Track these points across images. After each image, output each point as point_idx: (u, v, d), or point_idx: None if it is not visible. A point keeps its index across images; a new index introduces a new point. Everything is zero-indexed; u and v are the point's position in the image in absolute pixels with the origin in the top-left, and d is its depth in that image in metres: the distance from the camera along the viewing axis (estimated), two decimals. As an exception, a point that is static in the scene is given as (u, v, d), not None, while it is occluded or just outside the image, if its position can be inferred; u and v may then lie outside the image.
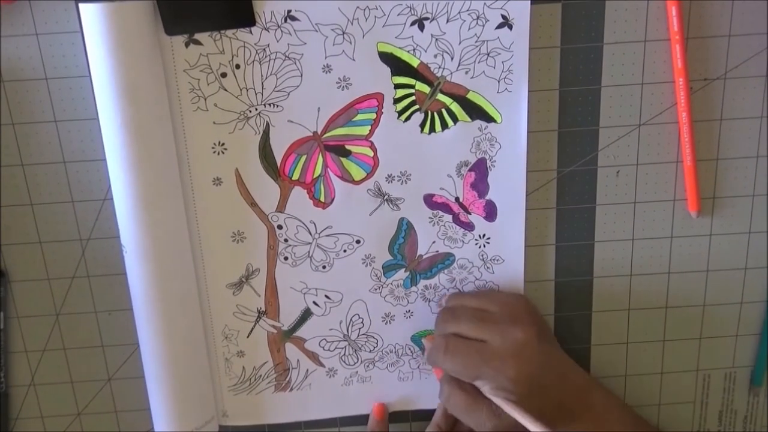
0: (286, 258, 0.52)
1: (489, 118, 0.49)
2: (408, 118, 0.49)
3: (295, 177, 0.50)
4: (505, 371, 0.47)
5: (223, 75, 0.47)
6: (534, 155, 0.50)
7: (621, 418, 0.52)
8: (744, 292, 0.55)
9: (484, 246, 0.52)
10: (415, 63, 0.48)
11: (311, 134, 0.49)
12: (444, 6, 0.46)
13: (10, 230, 0.51)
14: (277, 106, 0.48)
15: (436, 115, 0.49)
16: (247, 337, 0.54)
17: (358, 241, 0.52)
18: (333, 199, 0.51)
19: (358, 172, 0.50)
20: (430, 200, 0.51)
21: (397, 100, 0.49)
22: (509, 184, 0.51)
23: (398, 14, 0.47)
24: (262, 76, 0.47)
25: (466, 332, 0.49)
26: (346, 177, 0.50)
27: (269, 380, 0.55)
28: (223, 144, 0.49)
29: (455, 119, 0.49)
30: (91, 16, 0.44)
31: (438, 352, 0.50)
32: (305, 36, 0.47)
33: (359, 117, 0.49)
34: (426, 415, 0.56)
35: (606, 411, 0.52)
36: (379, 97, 0.48)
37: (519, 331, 0.48)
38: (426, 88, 0.48)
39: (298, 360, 0.55)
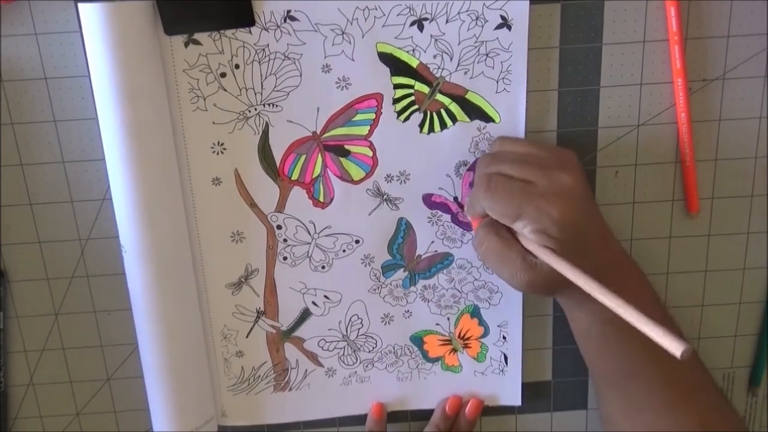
0: (285, 258, 0.52)
1: (488, 119, 0.49)
2: (407, 118, 0.49)
3: (295, 177, 0.50)
4: (549, 211, 0.44)
5: (223, 75, 0.47)
6: (533, 155, 0.50)
7: (652, 301, 0.49)
8: (743, 292, 0.55)
9: (483, 246, 0.52)
10: (414, 63, 0.48)
11: (310, 134, 0.49)
12: (443, 6, 0.46)
13: (10, 230, 0.51)
14: (277, 106, 0.48)
15: (435, 115, 0.49)
16: (246, 337, 0.54)
17: (357, 241, 0.52)
18: (332, 199, 0.51)
19: (357, 172, 0.50)
20: (429, 200, 0.51)
21: (396, 100, 0.49)
22: (508, 184, 0.51)
23: (398, 14, 0.47)
24: (261, 76, 0.47)
25: (511, 171, 0.46)
26: (345, 177, 0.50)
27: (268, 380, 0.55)
28: (222, 144, 0.49)
29: (454, 119, 0.49)
30: (90, 16, 0.44)
31: (479, 189, 0.46)
32: (305, 36, 0.47)
33: (358, 117, 0.49)
34: (424, 415, 0.57)
35: (640, 288, 0.49)
36: (378, 97, 0.49)
37: (567, 176, 0.45)
38: (425, 89, 0.49)
39: (297, 360, 0.55)
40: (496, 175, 0.46)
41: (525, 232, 0.45)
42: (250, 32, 0.46)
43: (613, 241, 0.48)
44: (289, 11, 0.46)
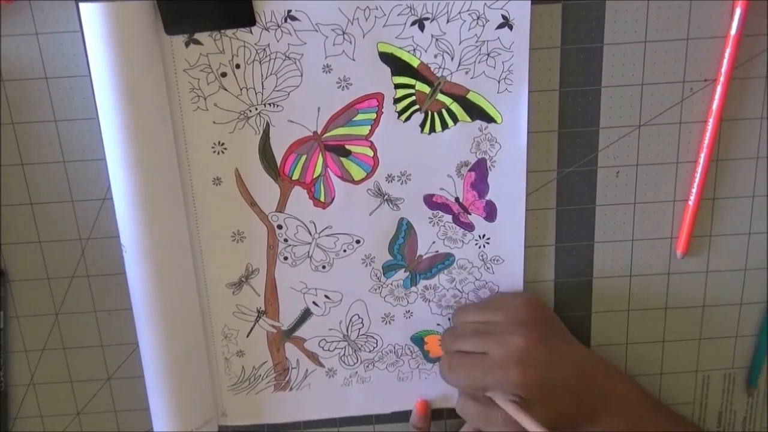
0: (285, 258, 0.52)
1: (489, 119, 0.49)
2: (408, 118, 0.49)
3: (295, 177, 0.50)
4: (509, 379, 0.47)
5: (223, 75, 0.47)
6: (534, 156, 0.50)
7: (646, 408, 0.53)
8: (744, 293, 0.55)
9: (484, 246, 0.52)
10: (415, 63, 0.48)
11: (311, 134, 0.49)
12: (444, 6, 0.46)
13: (10, 229, 0.51)
14: (277, 105, 0.48)
15: (436, 115, 0.49)
16: (247, 336, 0.54)
17: (357, 241, 0.52)
18: (333, 199, 0.51)
19: (358, 172, 0.50)
20: (430, 200, 0.51)
21: (397, 100, 0.49)
22: (509, 184, 0.51)
23: (398, 14, 0.47)
24: (262, 75, 0.47)
25: (467, 347, 0.50)
26: (346, 177, 0.50)
27: (269, 380, 0.55)
28: (223, 144, 0.49)
29: (455, 119, 0.49)
30: (91, 16, 0.44)
31: (443, 371, 0.51)
32: (305, 36, 0.47)
33: (359, 117, 0.49)
34: (431, 414, 0.56)
35: (629, 402, 0.52)
36: (379, 97, 0.48)
37: (519, 338, 0.48)
38: (426, 88, 0.48)
39: (297, 360, 0.55)
40: (455, 355, 0.50)
41: (497, 399, 0.48)
42: (251, 32, 0.46)
43: (591, 370, 0.51)
44: (289, 11, 0.46)
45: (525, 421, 0.46)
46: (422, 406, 0.56)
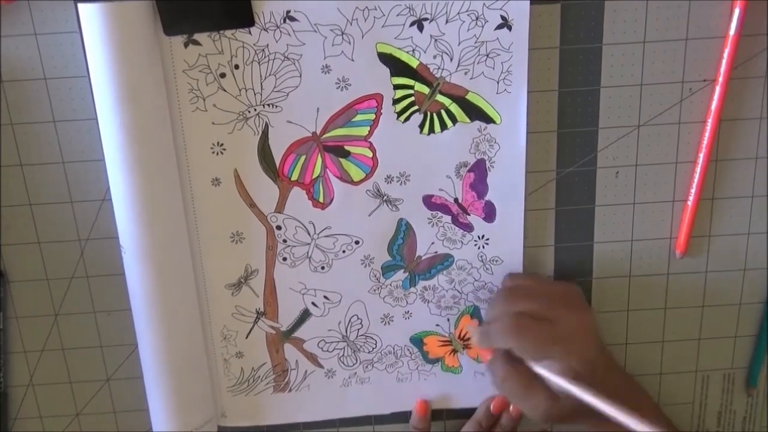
0: (284, 258, 0.52)
1: (488, 119, 0.49)
2: (407, 119, 0.49)
3: (294, 177, 0.50)
4: (573, 351, 0.47)
5: (222, 75, 0.47)
6: (533, 156, 0.50)
7: (658, 417, 0.53)
8: (743, 293, 0.55)
9: (483, 247, 0.52)
10: (414, 64, 0.48)
11: (310, 135, 0.49)
12: (443, 7, 0.46)
13: (9, 230, 0.51)
14: (276, 106, 0.48)
15: (435, 115, 0.49)
16: (246, 337, 0.54)
17: (357, 242, 0.52)
18: (332, 200, 0.51)
19: (357, 173, 0.50)
20: (429, 201, 0.51)
21: (396, 101, 0.49)
22: (508, 185, 0.51)
23: (397, 15, 0.46)
24: (261, 76, 0.47)
25: (536, 311, 0.48)
26: (345, 178, 0.50)
27: (268, 381, 0.55)
28: (222, 144, 0.49)
29: (454, 120, 0.49)
30: (90, 16, 0.44)
31: (504, 330, 0.48)
32: (304, 36, 0.47)
33: (358, 117, 0.49)
34: (431, 415, 0.56)
35: (646, 406, 0.53)
36: (378, 98, 0.48)
37: (585, 315, 0.49)
38: (425, 89, 0.48)
39: (296, 361, 0.55)
40: (522, 316, 0.48)
41: (553, 369, 0.47)
42: (250, 33, 0.46)
43: (617, 368, 0.53)
44: (288, 11, 0.46)
45: (583, 393, 0.45)
46: (422, 407, 0.56)
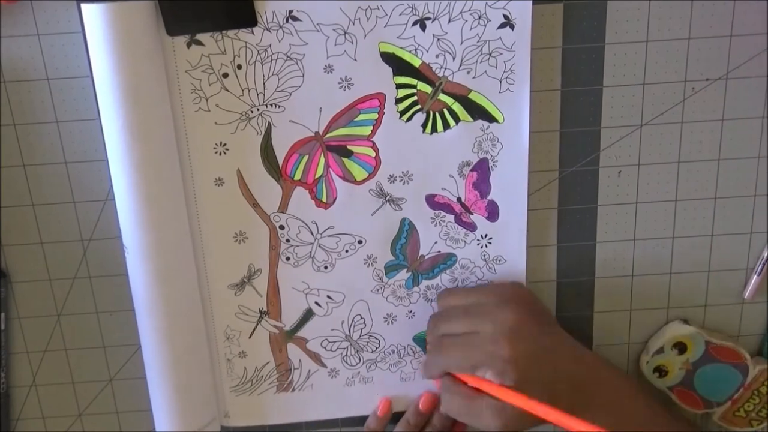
0: (287, 258, 0.52)
1: (491, 118, 0.49)
2: (410, 118, 0.49)
3: (297, 177, 0.50)
4: (500, 354, 0.46)
5: (225, 75, 0.47)
6: (536, 155, 0.50)
7: (643, 406, 0.52)
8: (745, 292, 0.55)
9: (486, 246, 0.52)
10: (416, 63, 0.48)
11: (313, 134, 0.49)
12: (446, 6, 0.46)
13: (12, 231, 0.51)
14: (279, 106, 0.48)
15: (438, 115, 0.49)
16: (249, 337, 0.54)
17: (360, 242, 0.52)
18: (335, 200, 0.51)
19: (359, 173, 0.50)
20: (431, 200, 0.51)
21: (398, 100, 0.49)
22: (511, 184, 0.51)
23: (400, 14, 0.47)
24: (263, 76, 0.47)
25: (456, 329, 0.49)
26: (347, 177, 0.50)
27: (271, 381, 0.55)
28: (224, 144, 0.49)
29: (457, 119, 0.49)
30: (92, 17, 0.44)
31: (433, 354, 0.50)
32: (307, 36, 0.47)
33: (361, 117, 0.49)
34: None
35: (624, 398, 0.51)
36: (380, 97, 0.48)
37: (509, 312, 0.47)
38: (428, 88, 0.48)
39: (300, 360, 0.55)
40: (445, 337, 0.49)
41: (488, 376, 0.46)
42: (253, 32, 0.46)
43: (585, 356, 0.51)
44: (291, 11, 0.46)
45: (515, 398, 0.45)
46: (384, 407, 0.55)
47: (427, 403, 0.55)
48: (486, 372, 0.46)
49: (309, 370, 0.55)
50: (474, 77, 0.48)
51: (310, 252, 0.52)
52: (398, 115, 0.49)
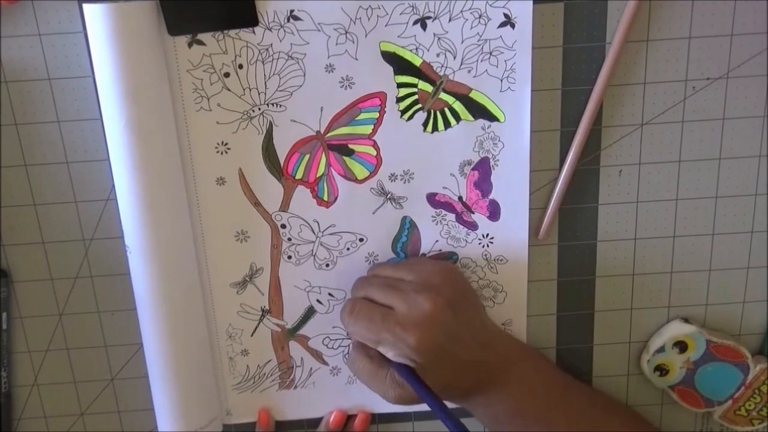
0: (289, 257, 0.52)
1: (492, 117, 0.49)
2: (411, 117, 0.49)
3: (299, 176, 0.50)
4: (405, 339, 0.46)
5: (226, 75, 0.47)
6: (536, 155, 0.50)
7: (560, 387, 0.52)
8: (746, 291, 0.55)
9: (488, 245, 0.52)
10: (417, 62, 0.48)
11: (314, 133, 0.49)
12: (446, 5, 0.46)
13: (13, 230, 0.51)
14: (280, 105, 0.48)
15: (438, 114, 0.49)
16: (251, 335, 0.54)
17: (361, 240, 0.52)
18: (336, 198, 0.51)
19: (361, 171, 0.50)
20: (433, 199, 0.51)
21: (399, 99, 0.49)
22: (512, 183, 0.51)
23: (401, 13, 0.47)
24: (265, 75, 0.48)
25: (375, 297, 0.49)
26: (349, 176, 0.50)
27: (273, 378, 0.55)
28: (226, 144, 0.49)
29: (458, 118, 0.49)
30: (94, 17, 0.44)
31: (344, 313, 0.49)
32: (308, 36, 0.47)
33: (362, 116, 0.49)
34: (428, 415, 0.57)
35: (536, 380, 0.52)
36: (381, 96, 0.49)
37: (426, 300, 0.47)
38: (429, 87, 0.49)
39: (301, 358, 0.55)
40: (360, 300, 0.49)
41: (389, 356, 0.48)
42: (254, 32, 0.47)
43: (497, 345, 0.51)
44: (292, 11, 0.46)
45: (409, 380, 0.46)
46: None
47: (336, 422, 0.56)
48: (388, 351, 0.47)
49: (311, 368, 0.55)
50: (475, 76, 0.48)
51: (312, 250, 0.52)
52: (399, 114, 0.49)
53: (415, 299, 0.47)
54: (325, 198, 0.51)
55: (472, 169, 0.51)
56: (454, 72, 0.48)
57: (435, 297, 0.47)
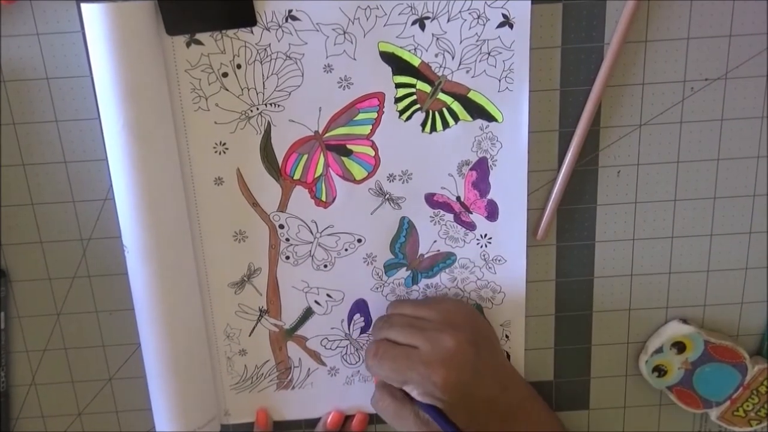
0: (287, 257, 0.52)
1: (490, 118, 0.49)
2: (409, 118, 0.49)
3: (297, 176, 0.50)
4: (431, 377, 0.47)
5: (225, 75, 0.47)
6: (534, 155, 0.50)
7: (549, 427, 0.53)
8: (744, 292, 0.55)
9: (486, 246, 0.52)
10: (416, 62, 0.48)
11: (312, 134, 0.49)
12: (445, 5, 0.46)
13: (11, 230, 0.51)
14: (279, 105, 0.48)
15: (437, 114, 0.49)
16: (249, 335, 0.54)
17: (359, 240, 0.52)
18: (334, 199, 0.51)
19: (359, 172, 0.50)
20: (431, 199, 0.51)
21: (398, 100, 0.49)
22: (510, 183, 0.51)
23: (399, 14, 0.47)
24: (263, 75, 0.47)
25: (397, 338, 0.49)
26: (347, 176, 0.50)
27: (271, 378, 0.55)
28: (224, 144, 0.49)
29: (456, 118, 0.49)
30: (92, 16, 0.44)
31: (369, 356, 0.50)
32: (306, 36, 0.47)
33: (360, 116, 0.49)
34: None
35: (535, 420, 0.52)
36: (380, 97, 0.49)
37: (449, 338, 0.48)
38: (427, 88, 0.49)
39: (299, 359, 0.55)
40: (383, 343, 0.50)
41: (414, 395, 0.48)
42: (252, 32, 0.47)
43: (515, 387, 0.52)
44: (290, 11, 0.46)
45: (437, 418, 0.47)
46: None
47: (333, 422, 0.56)
48: (414, 390, 0.48)
49: (309, 369, 0.55)
50: (473, 76, 0.48)
51: (310, 251, 0.52)
52: (397, 114, 0.49)
53: (438, 338, 0.48)
54: (324, 198, 0.51)
55: (471, 170, 0.51)
56: (452, 72, 0.48)
57: (458, 335, 0.48)
